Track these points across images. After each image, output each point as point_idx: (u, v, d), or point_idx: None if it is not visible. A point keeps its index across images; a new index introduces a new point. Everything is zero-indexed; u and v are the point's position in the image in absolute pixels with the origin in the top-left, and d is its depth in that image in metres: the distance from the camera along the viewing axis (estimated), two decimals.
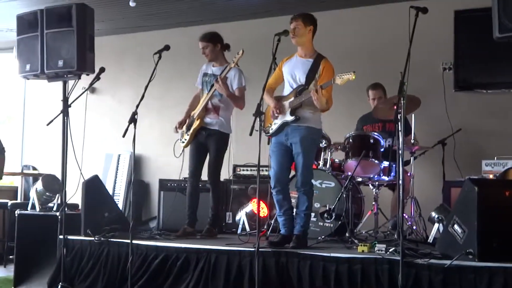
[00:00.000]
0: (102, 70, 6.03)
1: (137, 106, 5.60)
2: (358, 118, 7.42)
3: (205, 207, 6.77)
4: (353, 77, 5.23)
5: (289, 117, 5.58)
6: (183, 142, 6.80)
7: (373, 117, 6.87)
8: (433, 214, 5.86)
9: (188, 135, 6.74)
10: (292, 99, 5.61)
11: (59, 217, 6.07)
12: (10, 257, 7.78)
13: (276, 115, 5.63)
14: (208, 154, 6.75)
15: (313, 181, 5.71)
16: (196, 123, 6.67)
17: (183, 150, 6.83)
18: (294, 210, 5.65)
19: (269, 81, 5.68)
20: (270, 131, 5.73)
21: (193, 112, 6.81)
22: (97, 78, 6.08)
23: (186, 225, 6.63)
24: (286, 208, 5.62)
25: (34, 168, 10.23)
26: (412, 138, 6.48)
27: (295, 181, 5.63)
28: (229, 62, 6.65)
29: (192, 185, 6.73)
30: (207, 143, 6.69)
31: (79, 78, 6.08)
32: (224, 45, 6.81)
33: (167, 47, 6.14)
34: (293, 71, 5.69)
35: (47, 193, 7.07)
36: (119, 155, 9.70)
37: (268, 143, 5.82)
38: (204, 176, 6.81)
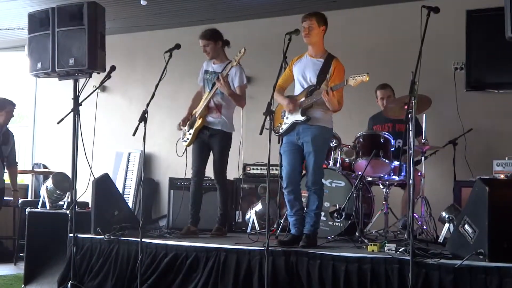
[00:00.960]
0: (113, 68, 6.04)
1: (148, 105, 5.62)
2: (369, 118, 7.39)
3: (214, 206, 6.78)
4: (367, 79, 5.20)
5: (299, 117, 5.56)
6: (186, 141, 6.77)
7: (383, 116, 6.85)
8: (444, 214, 5.84)
9: (190, 134, 6.70)
10: (303, 99, 5.59)
11: (69, 215, 6.08)
12: (21, 255, 7.81)
13: (289, 111, 5.61)
14: (211, 153, 6.73)
15: (323, 180, 5.70)
16: (198, 122, 6.64)
17: (185, 149, 6.79)
18: (305, 209, 5.65)
19: (279, 81, 5.68)
20: (280, 131, 5.72)
21: (195, 110, 6.78)
22: (108, 76, 6.09)
23: (190, 224, 6.63)
24: (297, 208, 5.61)
25: (45, 166, 10.27)
26: (423, 138, 6.45)
27: (306, 181, 5.62)
28: (230, 59, 6.63)
29: (195, 185, 6.70)
30: (210, 143, 6.67)
31: (90, 76, 6.08)
32: (224, 41, 6.76)
33: (177, 46, 6.15)
34: (303, 71, 5.67)
35: (57, 191, 7.10)
36: (129, 154, 9.72)
37: (279, 142, 5.81)
38: (210, 174, 6.81)
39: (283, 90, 5.83)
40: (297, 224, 5.58)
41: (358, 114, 7.61)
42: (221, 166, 6.64)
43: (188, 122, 6.77)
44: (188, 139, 6.73)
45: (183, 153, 6.75)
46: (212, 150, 6.69)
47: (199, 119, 6.64)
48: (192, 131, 6.68)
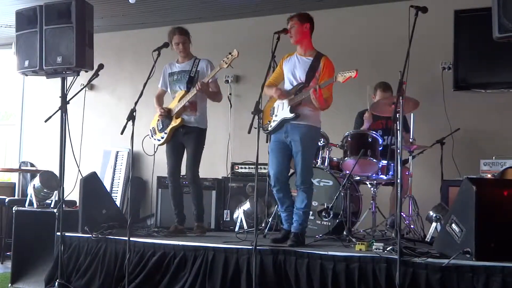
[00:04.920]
0: (101, 67, 6.02)
1: (136, 103, 5.60)
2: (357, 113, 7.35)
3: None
4: (356, 75, 5.21)
5: (288, 114, 5.57)
6: (159, 140, 6.67)
7: (376, 114, 6.82)
8: (431, 213, 5.86)
9: (166, 133, 6.60)
10: (292, 96, 5.60)
11: (57, 214, 6.06)
12: (8, 253, 7.77)
13: (278, 97, 5.64)
14: (185, 152, 6.67)
15: (311, 179, 5.70)
16: (176, 122, 6.54)
17: (156, 148, 6.74)
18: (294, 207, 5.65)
19: (271, 78, 5.73)
20: (269, 128, 5.72)
21: (168, 107, 6.67)
22: (96, 74, 6.07)
23: (176, 223, 6.61)
24: (287, 204, 5.66)
25: (32, 165, 10.21)
26: (411, 137, 6.46)
27: (295, 180, 5.63)
28: (194, 56, 6.65)
29: (173, 185, 6.66)
30: (184, 141, 6.60)
31: (78, 74, 6.07)
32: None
33: (166, 45, 6.14)
34: (293, 70, 5.69)
35: (44, 190, 7.06)
36: (117, 152, 9.69)
37: (267, 141, 5.82)
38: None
39: (274, 87, 5.83)
40: (289, 219, 5.63)
41: (346, 113, 7.61)
42: (194, 164, 6.55)
43: (157, 121, 6.71)
44: (162, 137, 6.63)
45: (155, 152, 6.70)
46: (186, 148, 6.62)
47: (176, 118, 6.56)
48: (167, 130, 6.60)
